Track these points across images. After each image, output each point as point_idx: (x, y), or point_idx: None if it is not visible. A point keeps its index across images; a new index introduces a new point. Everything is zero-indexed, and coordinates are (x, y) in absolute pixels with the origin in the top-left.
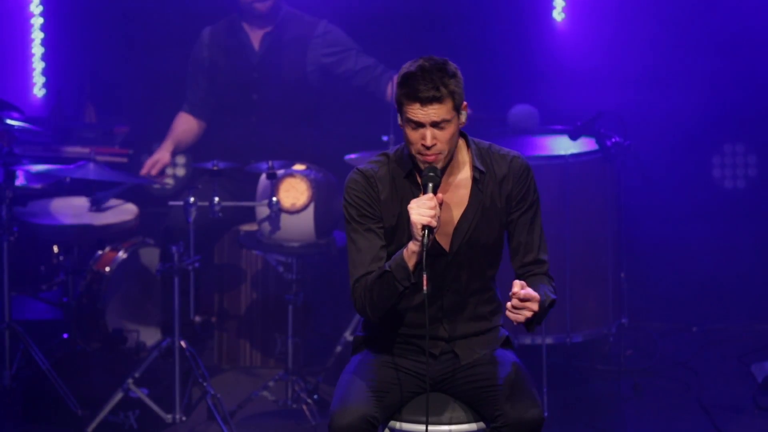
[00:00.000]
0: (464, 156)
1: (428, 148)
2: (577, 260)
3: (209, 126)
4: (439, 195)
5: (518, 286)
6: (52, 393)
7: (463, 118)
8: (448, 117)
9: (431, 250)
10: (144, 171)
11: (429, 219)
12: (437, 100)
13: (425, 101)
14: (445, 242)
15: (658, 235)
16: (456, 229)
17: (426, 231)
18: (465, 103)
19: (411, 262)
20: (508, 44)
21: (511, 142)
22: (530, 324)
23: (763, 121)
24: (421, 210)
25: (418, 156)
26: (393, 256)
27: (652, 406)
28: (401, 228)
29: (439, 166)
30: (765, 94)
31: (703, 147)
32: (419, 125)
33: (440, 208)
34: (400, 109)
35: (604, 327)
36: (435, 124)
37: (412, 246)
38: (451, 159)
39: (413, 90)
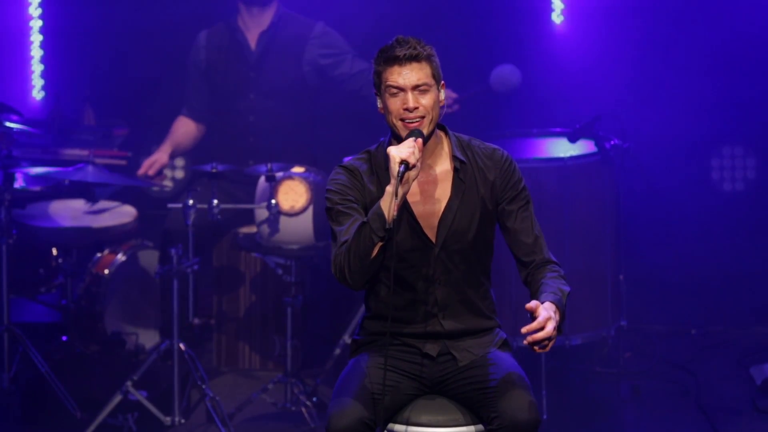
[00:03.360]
0: (445, 148)
1: (410, 111)
2: (576, 262)
3: (208, 127)
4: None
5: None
6: (50, 396)
7: (442, 96)
8: (428, 81)
9: (418, 243)
10: (141, 171)
11: (407, 153)
12: (415, 58)
13: (404, 60)
14: (431, 234)
15: (657, 238)
16: (441, 220)
17: (403, 166)
18: (443, 82)
19: (387, 210)
20: (508, 47)
21: (509, 144)
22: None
23: (762, 124)
24: (400, 148)
25: (399, 123)
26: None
27: (651, 409)
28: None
29: (424, 132)
30: (764, 97)
31: (702, 149)
32: (399, 91)
33: (422, 198)
34: (379, 82)
35: (603, 329)
36: (416, 88)
37: (388, 188)
38: (431, 135)
39: (391, 53)
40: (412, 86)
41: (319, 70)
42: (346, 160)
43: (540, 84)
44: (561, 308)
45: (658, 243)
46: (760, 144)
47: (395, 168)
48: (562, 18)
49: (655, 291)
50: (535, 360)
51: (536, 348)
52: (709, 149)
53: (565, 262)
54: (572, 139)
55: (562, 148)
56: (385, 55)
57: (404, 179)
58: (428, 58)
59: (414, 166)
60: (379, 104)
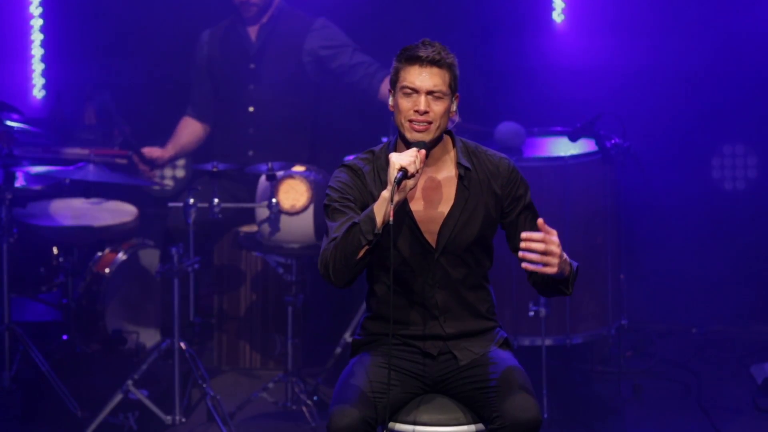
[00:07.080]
0: (450, 154)
1: (420, 114)
2: (577, 261)
3: (211, 123)
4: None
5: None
6: (51, 394)
7: (454, 107)
8: (443, 89)
9: (418, 248)
10: (145, 149)
11: (408, 162)
12: (437, 64)
13: (425, 62)
14: (431, 239)
15: (658, 237)
16: (442, 226)
17: (401, 173)
18: (458, 94)
19: (379, 214)
20: (508, 46)
21: None
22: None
23: (762, 123)
24: (402, 156)
25: (406, 125)
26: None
27: (651, 408)
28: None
29: (428, 138)
30: (765, 95)
31: (703, 148)
32: (413, 92)
33: (424, 203)
34: (395, 80)
35: (604, 328)
36: (430, 93)
37: (384, 193)
38: (437, 143)
39: (414, 53)
40: (427, 90)
41: (319, 62)
42: (349, 158)
43: (540, 83)
44: (572, 267)
45: (658, 242)
46: (761, 143)
47: (393, 173)
48: (562, 17)
49: (655, 290)
50: (536, 359)
51: (529, 264)
52: (709, 148)
53: None
54: (573, 138)
55: (562, 147)
56: (407, 53)
57: (401, 186)
58: (450, 67)
59: (413, 175)
60: (391, 102)
